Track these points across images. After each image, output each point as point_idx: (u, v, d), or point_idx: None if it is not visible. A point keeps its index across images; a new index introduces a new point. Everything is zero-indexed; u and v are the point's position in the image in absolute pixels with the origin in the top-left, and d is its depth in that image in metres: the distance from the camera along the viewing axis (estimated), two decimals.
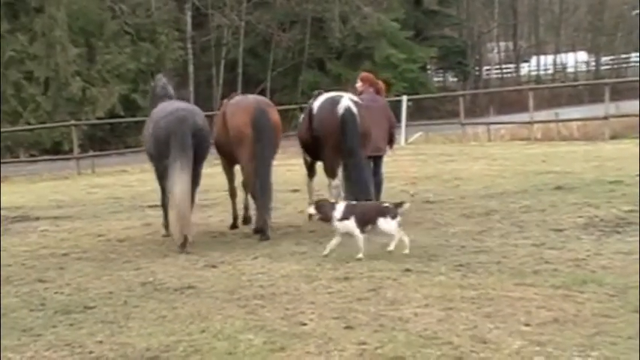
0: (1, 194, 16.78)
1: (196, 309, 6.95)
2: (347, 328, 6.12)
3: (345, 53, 47.70)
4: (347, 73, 45.39)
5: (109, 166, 26.59)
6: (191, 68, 41.51)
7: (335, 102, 10.93)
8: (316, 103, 11.31)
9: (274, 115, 10.97)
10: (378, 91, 12.36)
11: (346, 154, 10.71)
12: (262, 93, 40.28)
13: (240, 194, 11.82)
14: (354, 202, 9.20)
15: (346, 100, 10.86)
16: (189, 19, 41.62)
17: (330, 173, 11.16)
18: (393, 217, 8.70)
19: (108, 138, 37.01)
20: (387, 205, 8.97)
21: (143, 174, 22.13)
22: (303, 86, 43.52)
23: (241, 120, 10.76)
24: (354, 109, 10.72)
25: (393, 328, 6.03)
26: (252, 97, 11.50)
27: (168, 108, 10.85)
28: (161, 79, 12.14)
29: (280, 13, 45.35)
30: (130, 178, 22.07)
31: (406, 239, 8.76)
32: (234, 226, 11.60)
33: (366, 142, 10.96)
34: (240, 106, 11.02)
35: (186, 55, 41.28)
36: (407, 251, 8.65)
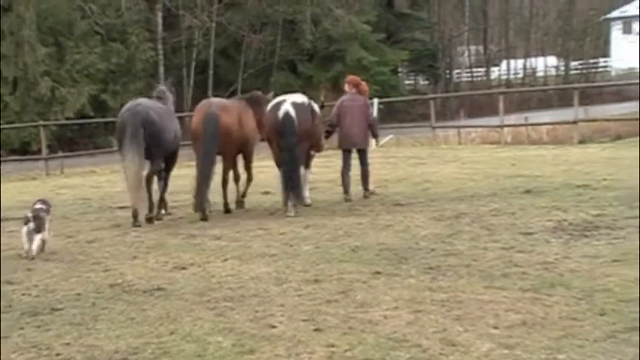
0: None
1: (165, 311, 6.92)
2: (316, 330, 6.12)
3: (316, 55, 47.74)
4: (318, 75, 45.46)
5: (78, 166, 26.42)
6: (161, 69, 41.33)
7: (278, 106, 12.57)
8: (268, 107, 12.93)
9: (225, 118, 12.63)
10: (360, 92, 13.97)
11: (284, 150, 12.42)
12: (233, 94, 40.25)
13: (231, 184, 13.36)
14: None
15: (287, 105, 12.48)
16: (159, 20, 41.44)
17: (277, 164, 12.85)
18: None
19: (77, 138, 36.76)
20: None
21: (113, 175, 22.00)
22: (274, 88, 43.04)
23: (195, 120, 12.89)
24: (293, 113, 12.34)
25: (363, 331, 6.04)
26: (213, 100, 13.78)
27: (129, 105, 12.71)
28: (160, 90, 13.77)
29: (251, 14, 45.28)
30: (99, 179, 21.94)
31: None
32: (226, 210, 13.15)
33: (304, 141, 12.63)
34: (199, 108, 13.11)
35: (156, 55, 41.10)
36: None
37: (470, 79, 66.74)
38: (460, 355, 5.44)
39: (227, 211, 13.11)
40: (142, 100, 12.94)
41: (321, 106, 14.35)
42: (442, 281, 7.45)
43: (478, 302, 6.65)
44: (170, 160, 13.27)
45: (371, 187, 13.95)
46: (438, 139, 28.46)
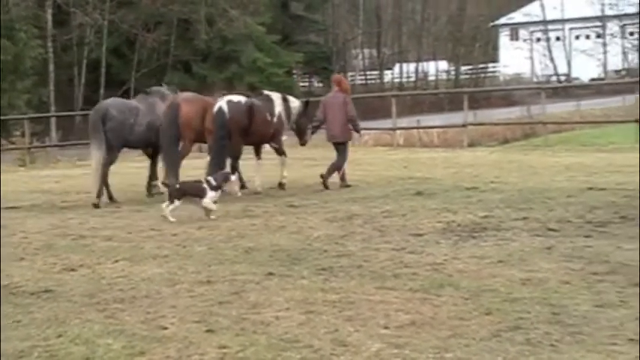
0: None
1: (53, 313, 6.79)
2: (208, 331, 6.10)
3: (211, 56, 47.43)
4: (213, 75, 45.17)
5: None
6: (51, 67, 40.34)
7: (217, 103, 14.14)
8: None
9: (185, 108, 14.31)
10: (342, 90, 15.56)
11: (214, 141, 14.01)
12: (126, 94, 39.66)
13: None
14: None
15: (222, 102, 14.07)
16: (49, 17, 40.44)
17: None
18: None
19: None
20: None
21: (3, 175, 21.40)
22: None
23: (164, 112, 14.51)
24: (225, 109, 13.91)
25: (255, 332, 6.05)
26: (184, 94, 15.37)
27: (97, 104, 15.34)
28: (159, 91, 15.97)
29: (145, 13, 44.63)
30: None
31: None
32: None
33: (236, 135, 14.01)
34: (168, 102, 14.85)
35: (46, 53, 40.06)
36: None
37: (364, 81, 67.41)
38: (351, 355, 5.51)
39: None
40: (108, 100, 15.66)
41: (306, 103, 16.00)
42: (334, 282, 7.52)
43: (369, 303, 6.74)
44: (154, 151, 15.19)
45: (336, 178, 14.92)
46: None
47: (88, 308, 6.92)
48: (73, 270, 8.56)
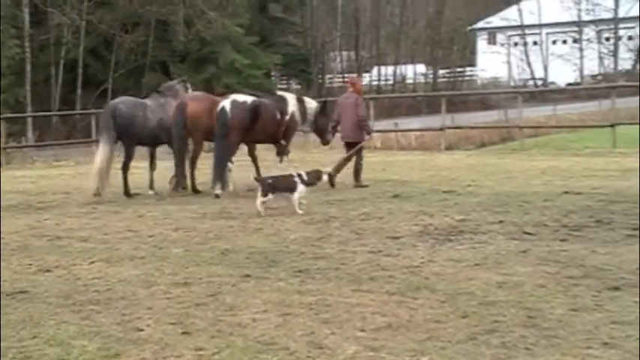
0: None
1: (28, 314, 6.75)
2: (184, 333, 6.09)
3: (189, 57, 47.23)
4: (191, 76, 44.96)
5: None
6: (28, 67, 40.01)
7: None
8: None
9: (192, 106, 14.70)
10: (356, 91, 16.07)
11: (215, 140, 14.65)
12: (104, 94, 39.45)
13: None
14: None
15: (225, 101, 14.46)
16: (26, 16, 40.14)
17: None
18: None
19: None
20: None
21: None
22: (146, 89, 42.62)
23: (173, 112, 14.89)
24: (228, 109, 14.26)
25: (231, 334, 6.04)
26: (191, 93, 16.06)
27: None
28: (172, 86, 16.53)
29: (123, 13, 44.39)
30: None
31: None
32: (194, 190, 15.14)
33: (237, 133, 14.38)
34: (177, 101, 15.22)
35: (23, 53, 39.77)
36: None
37: (342, 84, 67.27)
38: (327, 357, 5.51)
39: (196, 191, 14.96)
40: (118, 98, 16.11)
41: (324, 103, 16.55)
42: (311, 284, 7.52)
43: (346, 305, 6.74)
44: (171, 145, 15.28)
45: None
46: (309, 143, 28.58)
47: (63, 309, 6.89)
48: (48, 271, 8.51)
